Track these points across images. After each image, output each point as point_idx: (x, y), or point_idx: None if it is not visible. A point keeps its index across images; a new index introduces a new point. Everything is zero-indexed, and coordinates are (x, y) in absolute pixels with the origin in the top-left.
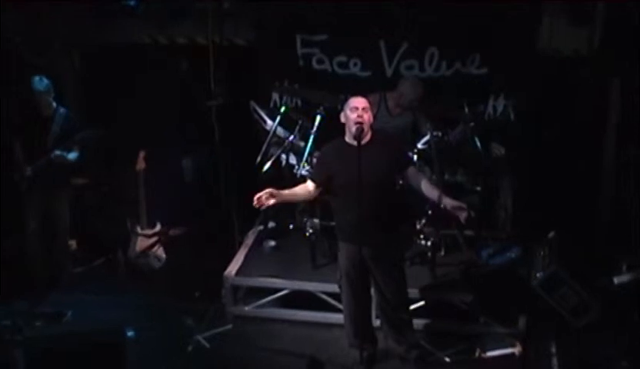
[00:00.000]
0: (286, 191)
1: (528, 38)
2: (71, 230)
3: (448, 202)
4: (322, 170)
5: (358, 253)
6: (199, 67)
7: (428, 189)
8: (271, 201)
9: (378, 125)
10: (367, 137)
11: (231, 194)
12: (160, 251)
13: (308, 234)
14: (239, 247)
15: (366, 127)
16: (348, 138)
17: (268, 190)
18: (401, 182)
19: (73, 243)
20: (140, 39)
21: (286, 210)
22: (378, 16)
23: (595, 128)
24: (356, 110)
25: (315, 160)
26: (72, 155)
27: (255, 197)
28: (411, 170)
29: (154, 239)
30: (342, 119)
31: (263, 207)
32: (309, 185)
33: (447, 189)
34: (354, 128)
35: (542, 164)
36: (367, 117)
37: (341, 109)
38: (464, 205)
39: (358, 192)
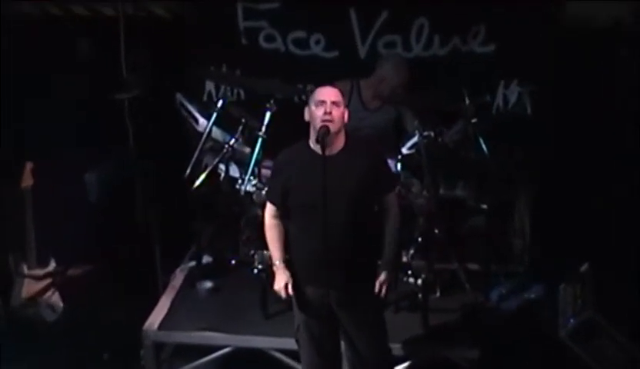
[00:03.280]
0: (276, 254)
1: (550, 4)
2: None
3: (379, 275)
4: (278, 184)
5: (324, 297)
6: (105, 47)
7: (386, 243)
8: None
9: (350, 124)
10: (339, 143)
11: (153, 218)
12: (55, 298)
13: (256, 271)
14: (164, 290)
15: (336, 128)
16: (313, 143)
17: (282, 284)
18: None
19: None
20: (22, 9)
21: (226, 239)
22: None
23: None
24: (322, 105)
25: (264, 171)
26: None
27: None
28: (390, 198)
29: (46, 281)
30: (307, 117)
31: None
32: (270, 211)
33: (443, 208)
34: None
35: (570, 173)
36: (337, 114)
37: (306, 102)
38: (383, 292)
39: (323, 215)
